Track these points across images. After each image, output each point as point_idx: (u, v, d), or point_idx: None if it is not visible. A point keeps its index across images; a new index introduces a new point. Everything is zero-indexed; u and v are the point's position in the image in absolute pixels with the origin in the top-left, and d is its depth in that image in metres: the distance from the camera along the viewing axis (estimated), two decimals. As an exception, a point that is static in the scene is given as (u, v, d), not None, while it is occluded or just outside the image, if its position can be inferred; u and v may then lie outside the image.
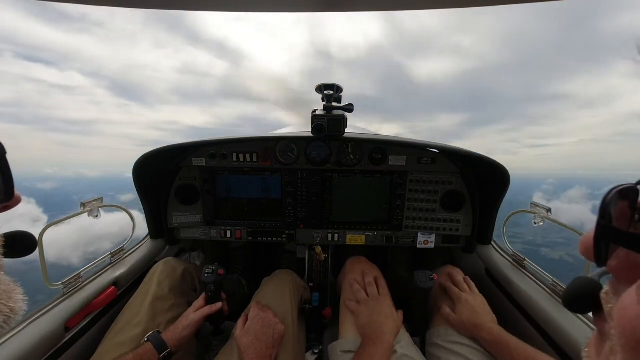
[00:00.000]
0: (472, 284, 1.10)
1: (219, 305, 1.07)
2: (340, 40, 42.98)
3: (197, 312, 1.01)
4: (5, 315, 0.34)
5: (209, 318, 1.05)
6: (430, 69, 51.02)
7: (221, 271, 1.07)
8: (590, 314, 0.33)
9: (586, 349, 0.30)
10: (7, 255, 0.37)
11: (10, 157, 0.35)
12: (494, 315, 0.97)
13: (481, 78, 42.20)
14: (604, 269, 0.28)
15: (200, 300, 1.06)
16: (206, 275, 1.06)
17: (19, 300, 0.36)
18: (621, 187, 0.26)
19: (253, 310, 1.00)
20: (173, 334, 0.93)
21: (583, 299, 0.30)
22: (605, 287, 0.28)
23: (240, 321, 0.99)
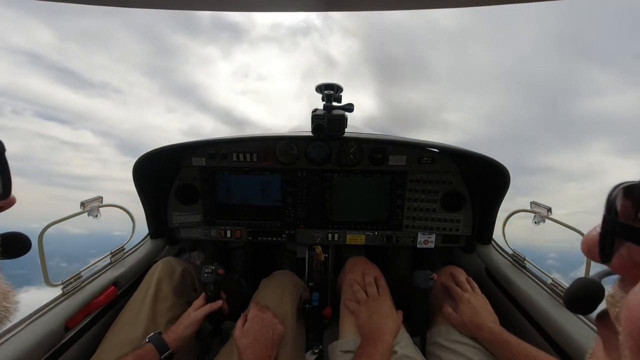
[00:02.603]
0: (475, 284, 1.09)
1: (220, 302, 1.07)
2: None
3: (198, 310, 1.01)
4: (1, 315, 0.34)
5: (208, 318, 1.04)
6: (422, 138, 49.69)
7: (221, 271, 1.07)
8: (592, 316, 0.33)
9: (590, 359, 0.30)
10: (0, 255, 0.37)
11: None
12: (495, 316, 0.97)
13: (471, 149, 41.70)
14: (605, 269, 0.28)
15: (199, 300, 1.06)
16: (205, 275, 1.06)
17: (14, 302, 0.36)
18: (625, 184, 0.26)
19: (252, 311, 1.00)
20: (175, 334, 0.93)
21: (584, 299, 0.30)
22: (610, 290, 0.28)
23: (239, 322, 0.99)
